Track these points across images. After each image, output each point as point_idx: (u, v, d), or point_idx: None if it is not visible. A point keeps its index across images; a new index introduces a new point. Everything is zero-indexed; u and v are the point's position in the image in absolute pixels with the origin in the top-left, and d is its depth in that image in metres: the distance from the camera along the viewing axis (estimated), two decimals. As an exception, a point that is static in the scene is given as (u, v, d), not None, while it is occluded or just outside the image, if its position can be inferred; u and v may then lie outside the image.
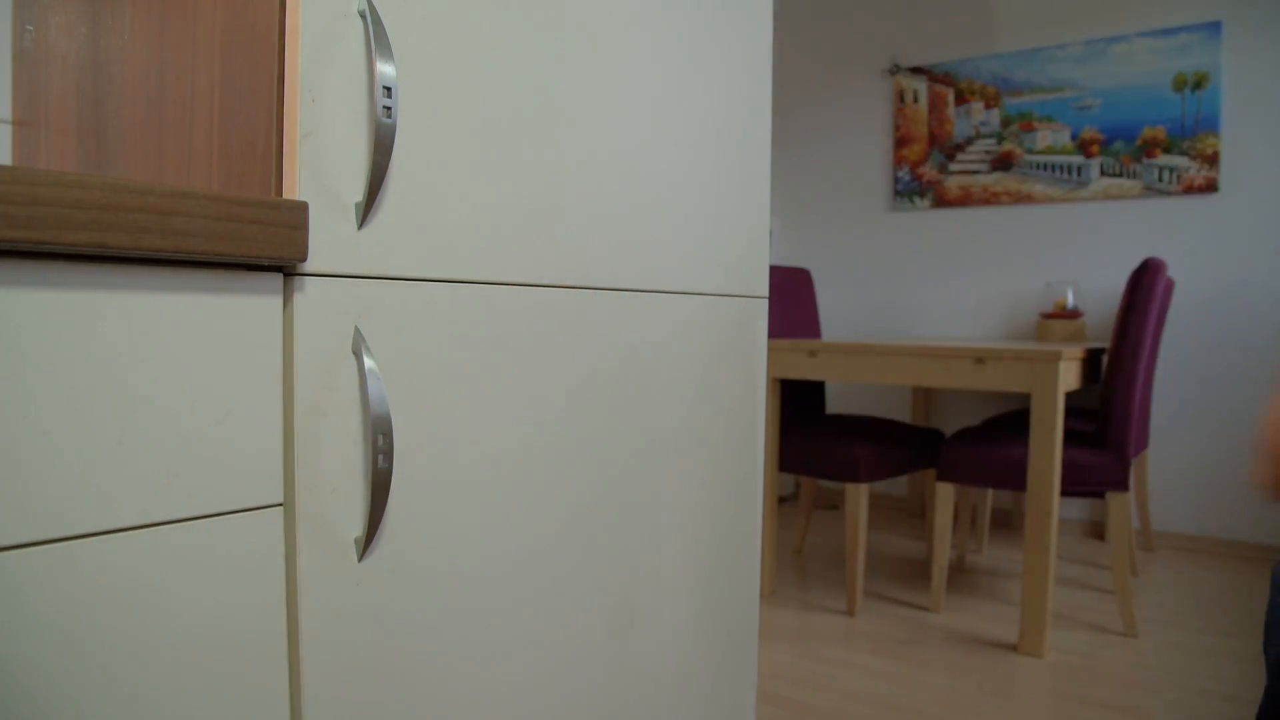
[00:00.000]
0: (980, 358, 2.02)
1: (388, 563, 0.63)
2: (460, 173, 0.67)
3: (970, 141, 3.31)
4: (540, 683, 0.77)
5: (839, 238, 3.62)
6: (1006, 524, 3.24)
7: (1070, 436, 2.15)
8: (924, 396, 3.36)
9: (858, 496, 2.19)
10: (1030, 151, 3.18)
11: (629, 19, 0.83)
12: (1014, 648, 1.99)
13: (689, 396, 0.94)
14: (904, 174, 3.44)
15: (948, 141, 3.35)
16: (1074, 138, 3.10)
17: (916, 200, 3.42)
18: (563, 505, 0.78)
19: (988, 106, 3.27)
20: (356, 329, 0.60)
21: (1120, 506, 2.05)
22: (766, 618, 2.19)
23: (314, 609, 0.58)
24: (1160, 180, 2.94)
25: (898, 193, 3.46)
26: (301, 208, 0.55)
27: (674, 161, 0.90)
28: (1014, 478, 2.07)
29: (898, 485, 3.55)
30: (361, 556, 0.61)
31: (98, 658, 0.48)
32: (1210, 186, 2.86)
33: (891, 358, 2.16)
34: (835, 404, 3.70)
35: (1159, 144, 2.94)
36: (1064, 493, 2.04)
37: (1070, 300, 2.91)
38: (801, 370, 2.31)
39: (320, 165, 0.58)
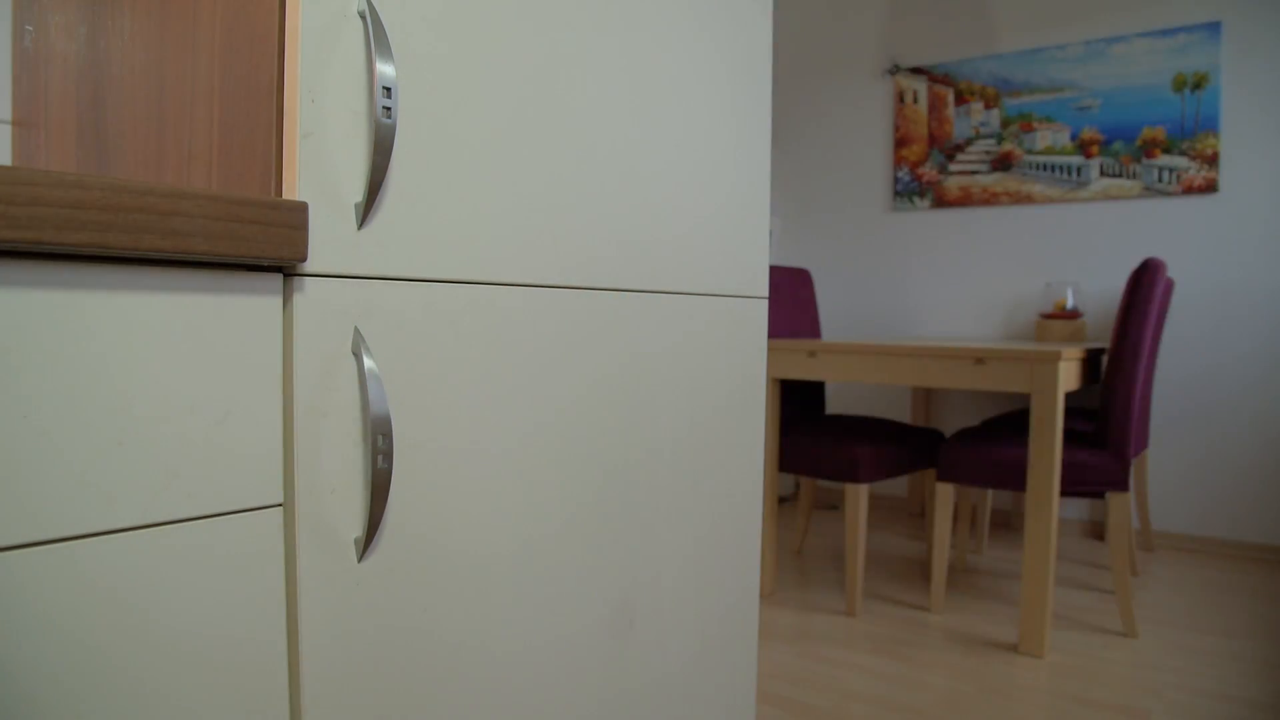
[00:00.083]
0: (980, 358, 2.02)
1: (387, 563, 0.63)
2: (460, 173, 0.67)
3: (970, 142, 3.31)
4: (540, 683, 0.77)
5: (839, 238, 3.62)
6: (1006, 524, 3.24)
7: (1070, 436, 2.15)
8: (924, 396, 3.36)
9: (858, 496, 2.19)
10: (1030, 152, 3.18)
11: (629, 19, 0.83)
12: (1014, 648, 1.99)
13: (689, 396, 0.94)
14: (904, 174, 3.45)
15: (948, 142, 3.35)
16: (1074, 138, 3.10)
17: (916, 200, 3.42)
18: (563, 505, 0.78)
19: (987, 107, 3.27)
20: (356, 329, 0.60)
21: (1120, 506, 2.05)
22: (766, 618, 2.19)
23: (314, 609, 0.58)
24: (1160, 180, 2.94)
25: (898, 193, 3.46)
26: (301, 208, 0.55)
27: (674, 161, 0.90)
28: (1014, 478, 2.07)
29: (898, 485, 3.55)
30: (361, 557, 0.61)
31: (98, 658, 0.48)
32: (1210, 187, 2.86)
33: (891, 358, 2.16)
34: (835, 404, 3.70)
35: (1159, 144, 2.94)
36: (1064, 493, 2.04)
37: (1070, 300, 2.91)
38: (801, 370, 2.31)
39: (320, 165, 0.58)
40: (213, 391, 0.52)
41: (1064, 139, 3.12)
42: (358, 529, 0.61)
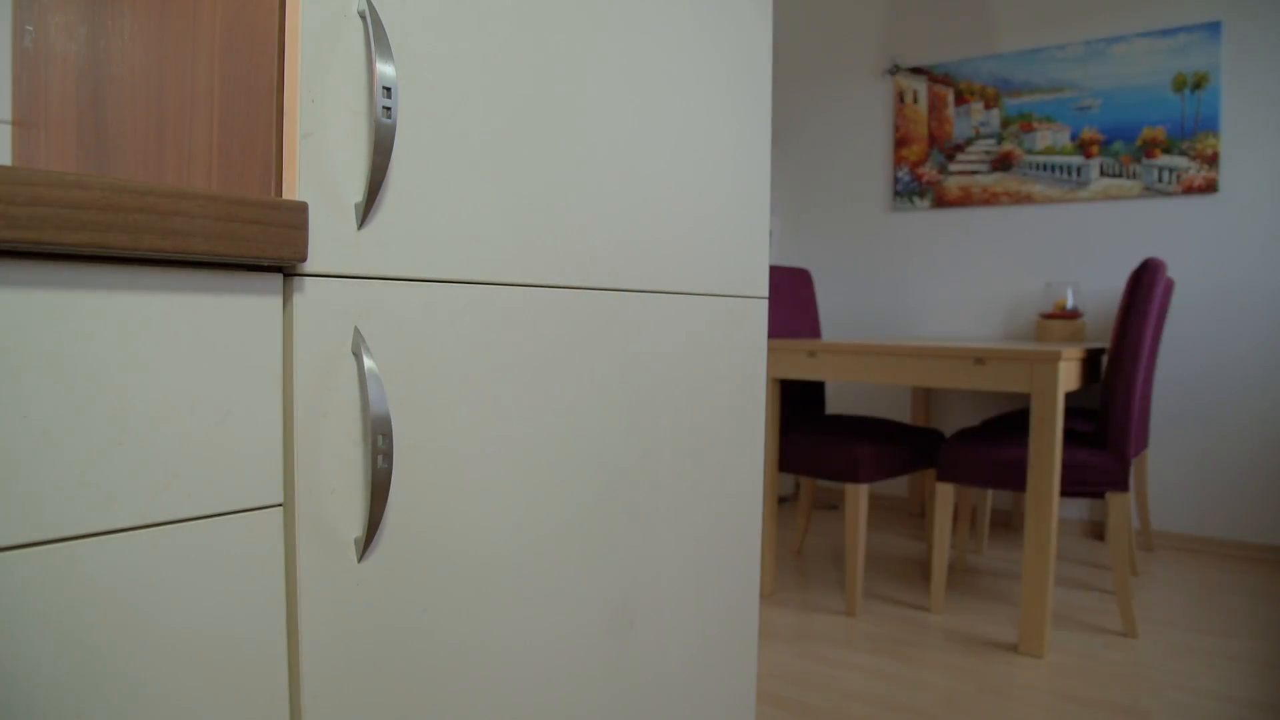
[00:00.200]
0: (980, 358, 2.02)
1: (387, 563, 0.63)
2: (460, 173, 0.67)
3: (970, 142, 3.31)
4: (540, 683, 0.77)
5: (839, 238, 3.62)
6: (1006, 524, 3.24)
7: (1070, 436, 2.15)
8: (924, 396, 3.36)
9: (858, 497, 2.19)
10: (1030, 152, 3.18)
11: (629, 19, 0.83)
12: (1014, 648, 1.99)
13: (689, 396, 0.94)
14: (904, 174, 3.45)
15: (948, 142, 3.35)
16: (1074, 138, 3.10)
17: (916, 200, 3.42)
18: (563, 505, 0.78)
19: (987, 107, 3.27)
20: (356, 329, 0.60)
21: (1120, 506, 2.05)
22: (766, 618, 2.19)
23: (314, 609, 0.58)
24: (1160, 180, 2.94)
25: (898, 193, 3.46)
26: (301, 208, 0.55)
27: (674, 161, 0.90)
28: (1014, 478, 2.07)
29: (898, 485, 3.55)
30: (361, 557, 0.61)
31: (98, 658, 0.48)
32: (1210, 187, 2.86)
33: (891, 358, 2.16)
34: (835, 404, 3.70)
35: (1159, 144, 2.94)
36: (1064, 493, 2.04)
37: (1070, 300, 2.91)
38: (801, 370, 2.31)
39: (320, 165, 0.58)
40: (213, 391, 0.52)
41: (1064, 139, 3.12)
42: (358, 529, 0.61)
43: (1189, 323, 2.92)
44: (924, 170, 3.40)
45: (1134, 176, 2.99)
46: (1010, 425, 2.34)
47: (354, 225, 0.60)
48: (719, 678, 1.02)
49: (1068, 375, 2.02)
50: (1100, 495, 2.04)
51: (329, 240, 0.58)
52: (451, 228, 0.67)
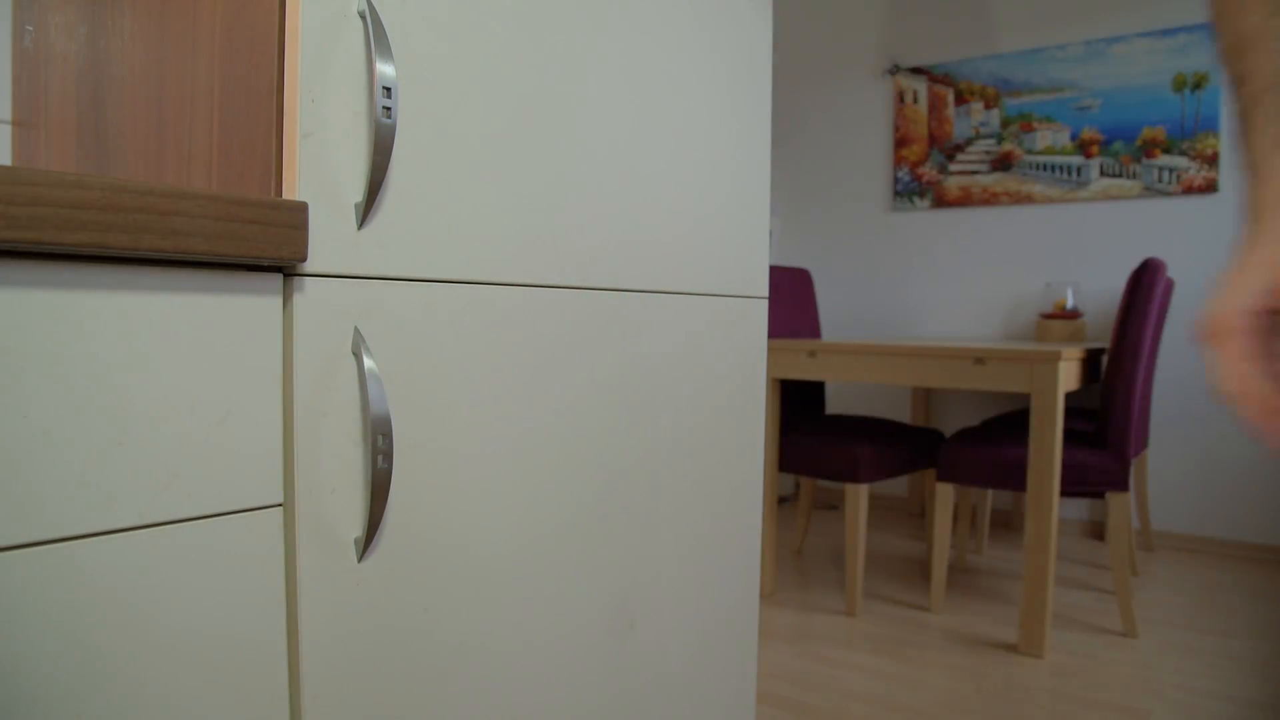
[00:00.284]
0: (980, 358, 2.02)
1: (387, 563, 0.63)
2: (460, 173, 0.67)
3: (970, 142, 3.31)
4: (540, 683, 0.77)
5: (839, 238, 3.62)
6: (1006, 524, 3.24)
7: (1070, 436, 2.15)
8: (924, 396, 3.36)
9: (858, 496, 2.19)
10: (1030, 152, 3.18)
11: (629, 19, 0.83)
12: (1014, 648, 1.99)
13: (689, 396, 0.94)
14: (904, 174, 3.45)
15: (947, 142, 3.35)
16: (1074, 138, 3.10)
17: (916, 200, 3.42)
18: (563, 505, 0.78)
19: (987, 107, 3.27)
20: (356, 329, 0.60)
21: (1120, 506, 2.05)
22: (766, 618, 2.19)
23: (314, 609, 0.58)
24: (1160, 180, 2.94)
25: (898, 193, 3.46)
26: (301, 208, 0.55)
27: (674, 161, 0.90)
28: (1014, 478, 2.07)
29: (898, 485, 3.55)
30: (361, 557, 0.61)
31: (98, 658, 0.48)
32: (1210, 187, 2.86)
33: (891, 358, 2.16)
34: (835, 404, 3.70)
35: (1159, 144, 2.95)
36: (1064, 493, 2.04)
37: (1070, 300, 2.91)
38: (801, 370, 2.31)
39: (320, 165, 0.58)
40: (213, 391, 0.52)
41: (1064, 139, 3.12)
42: (358, 529, 0.61)
43: (1189, 323, 2.92)
44: (924, 170, 3.40)
45: (1134, 176, 2.99)
46: (1010, 425, 2.34)
47: (354, 225, 0.60)
48: (719, 678, 1.02)
49: (1068, 375, 2.02)
50: (1100, 495, 2.04)
51: (329, 240, 0.58)
52: (451, 228, 0.67)
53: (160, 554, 0.50)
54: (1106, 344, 2.58)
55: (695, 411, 0.95)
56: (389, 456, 0.60)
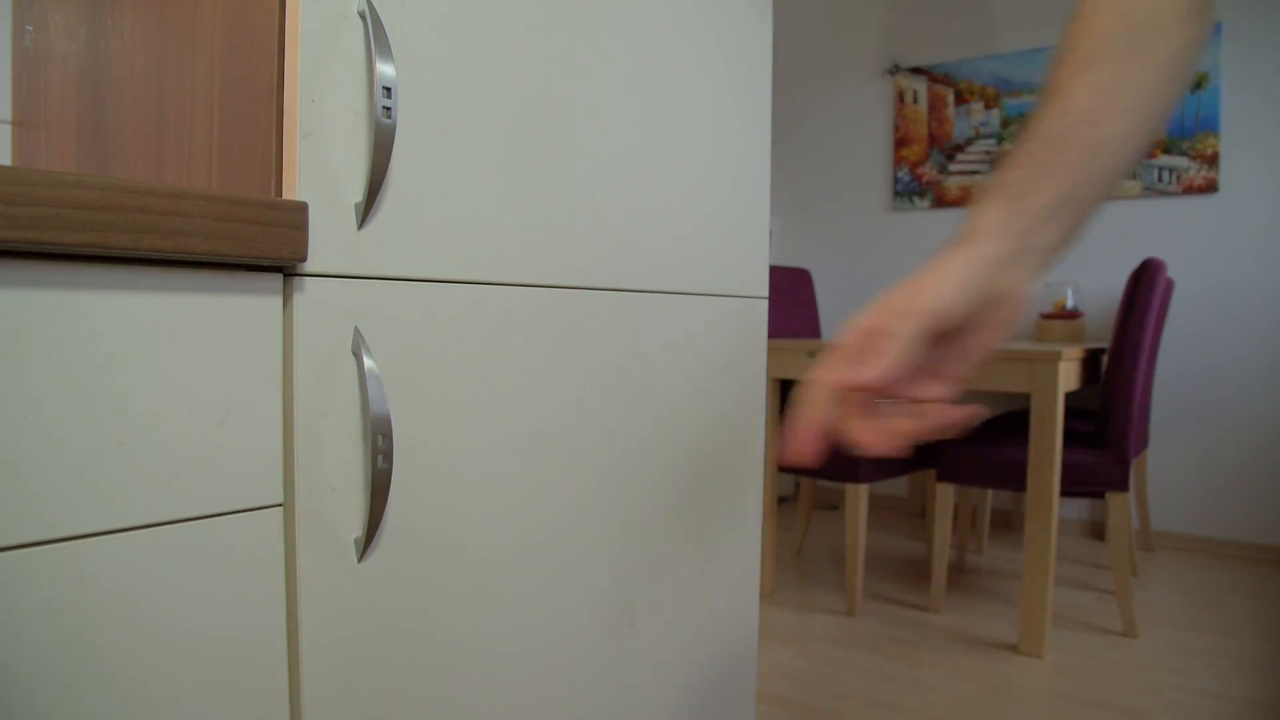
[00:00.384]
0: (980, 358, 2.02)
1: (387, 563, 0.63)
2: (460, 173, 0.67)
3: (970, 142, 3.31)
4: (540, 683, 0.77)
5: (839, 238, 3.62)
6: (1006, 524, 3.24)
7: (1070, 436, 2.15)
8: (924, 397, 3.36)
9: (858, 497, 2.19)
10: (1030, 152, 3.18)
11: (629, 19, 0.83)
12: (1014, 648, 1.99)
13: (689, 396, 0.94)
14: (904, 174, 3.45)
15: (948, 142, 3.35)
16: (1074, 138, 3.10)
17: (916, 200, 3.42)
18: (563, 505, 0.78)
19: (987, 107, 3.27)
20: (356, 329, 0.60)
21: (1120, 506, 2.05)
22: (766, 618, 2.19)
23: (314, 609, 0.58)
24: (1160, 180, 2.94)
25: (898, 193, 3.46)
26: (301, 208, 0.55)
27: (674, 161, 0.90)
28: (1014, 478, 2.07)
29: (898, 485, 3.55)
30: (361, 557, 0.61)
31: (98, 657, 0.48)
32: (1210, 187, 2.86)
33: (891, 358, 2.15)
34: (835, 404, 3.70)
35: (1159, 144, 2.94)
36: (1064, 493, 2.04)
37: (1070, 300, 2.91)
38: (801, 370, 2.31)
39: (320, 165, 0.58)
40: (213, 391, 0.52)
41: (1064, 139, 3.12)
42: (358, 529, 0.61)
43: (1189, 323, 2.92)
44: (924, 170, 3.40)
45: (1134, 176, 2.99)
46: (1010, 425, 2.34)
47: (354, 225, 0.60)
48: (719, 678, 1.02)
49: (1068, 375, 2.02)
50: (1100, 495, 2.04)
51: (329, 240, 0.58)
52: (451, 228, 0.67)
53: (160, 554, 0.50)
54: (1106, 344, 2.58)
55: (695, 411, 0.95)
56: (389, 456, 0.60)
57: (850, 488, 2.20)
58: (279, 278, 0.56)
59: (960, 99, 3.33)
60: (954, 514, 2.98)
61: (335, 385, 0.59)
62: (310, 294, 0.57)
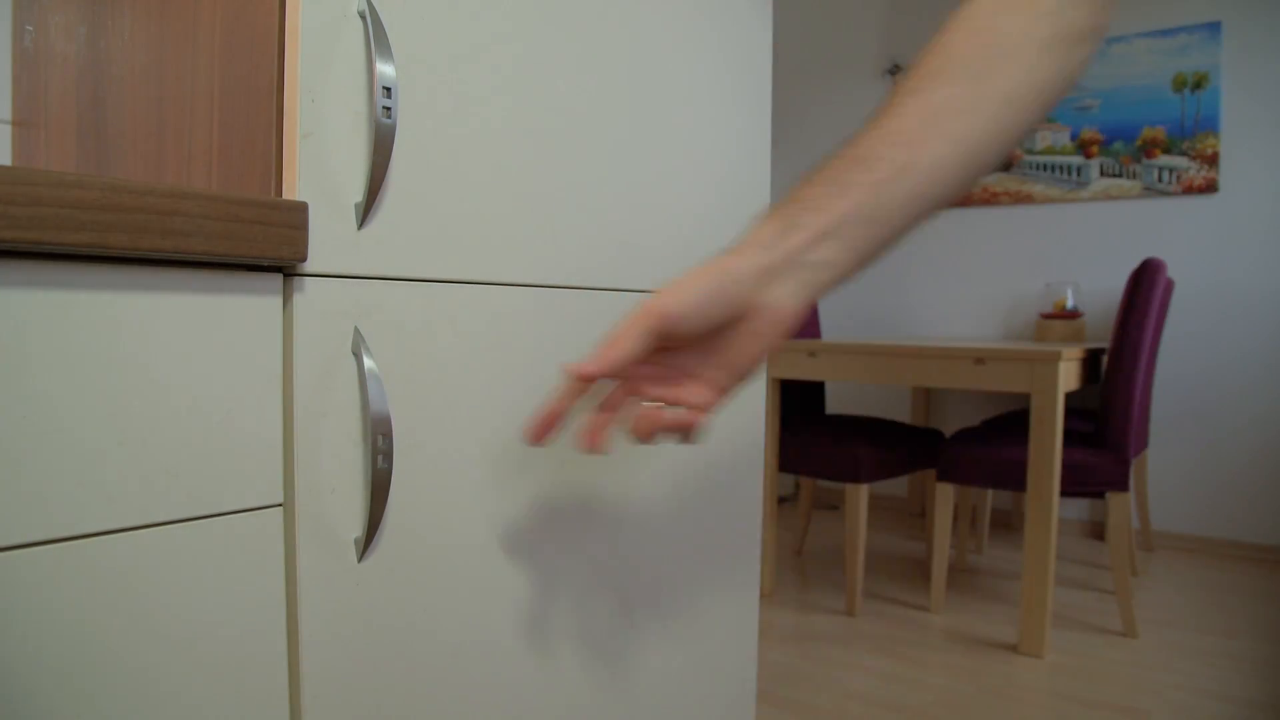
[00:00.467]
0: (980, 358, 2.02)
1: (387, 563, 0.63)
2: (460, 173, 0.67)
3: (970, 142, 3.30)
4: (541, 683, 0.77)
5: (839, 238, 3.61)
6: (1006, 524, 3.24)
7: (1070, 436, 2.15)
8: (924, 396, 3.36)
9: (858, 497, 2.19)
10: (1030, 152, 3.18)
11: (630, 20, 0.83)
12: (1014, 648, 1.99)
13: (689, 396, 0.94)
14: (904, 174, 3.44)
15: (948, 142, 3.35)
16: (1074, 138, 3.10)
17: (916, 200, 3.41)
18: (563, 505, 0.78)
19: (988, 107, 3.26)
20: (356, 329, 0.60)
21: (1120, 506, 2.05)
22: (766, 618, 2.19)
23: (314, 609, 0.58)
24: (1160, 180, 2.94)
25: (898, 193, 3.46)
26: (301, 208, 0.55)
27: (675, 161, 0.90)
28: (1014, 478, 2.07)
29: (898, 485, 3.55)
30: (361, 557, 0.61)
31: (99, 657, 0.48)
32: (1210, 187, 2.86)
33: (891, 358, 2.16)
34: (835, 404, 3.70)
35: (1159, 144, 2.95)
36: (1064, 493, 2.04)
37: (1070, 300, 2.91)
38: (801, 370, 2.32)
39: (320, 165, 0.58)
40: (213, 391, 0.52)
41: (1064, 139, 3.12)
42: (358, 529, 0.61)
43: (1189, 323, 2.92)
44: (924, 170, 3.40)
45: (1134, 176, 2.99)
46: (1010, 425, 2.34)
47: (354, 225, 0.60)
48: (719, 678, 1.02)
49: (1068, 375, 2.02)
50: (1100, 495, 2.04)
51: (329, 240, 0.58)
52: (452, 227, 0.67)
53: (160, 554, 0.50)
54: (1106, 344, 2.58)
55: (695, 411, 0.95)
56: (389, 456, 0.60)
57: (850, 488, 2.20)
58: (279, 278, 0.56)
59: (960, 99, 3.32)
60: (954, 514, 2.98)
61: (335, 385, 0.59)
62: (310, 294, 0.57)
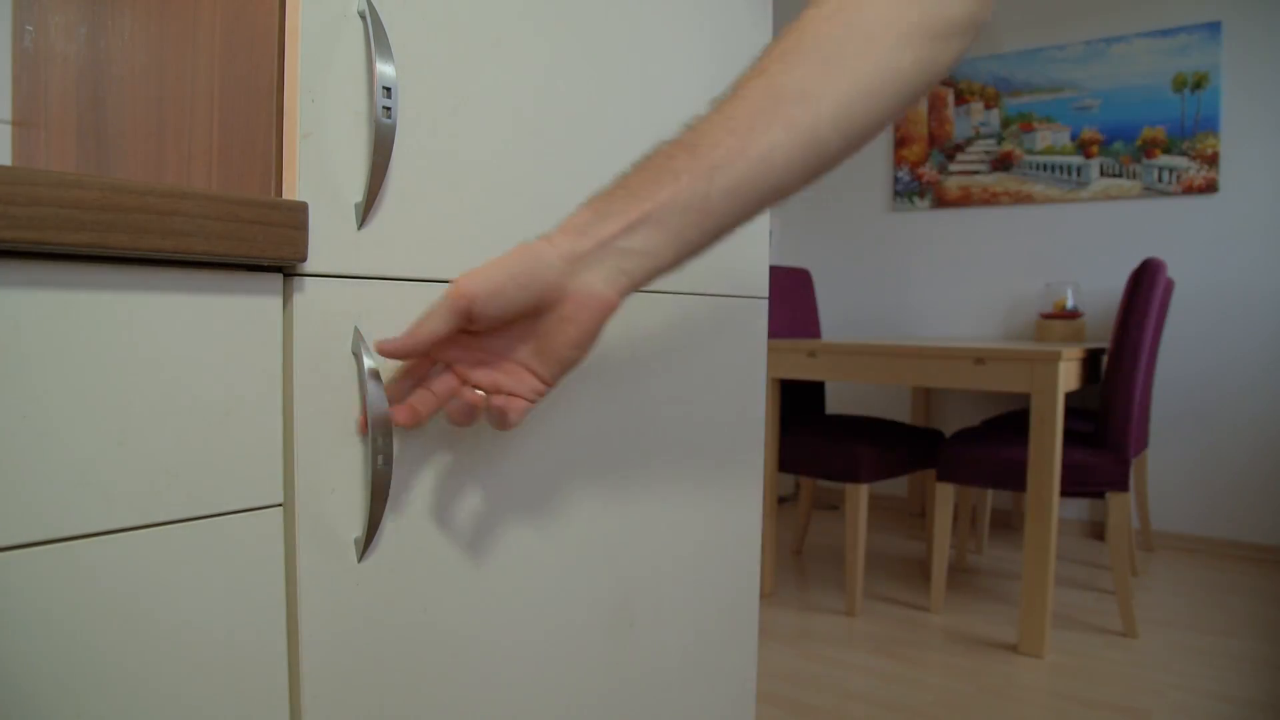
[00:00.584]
0: (980, 358, 2.02)
1: (387, 563, 0.63)
2: (461, 173, 0.67)
3: (970, 142, 3.31)
4: (540, 683, 0.77)
5: (839, 238, 3.62)
6: (1006, 524, 3.24)
7: (1070, 436, 2.15)
8: (924, 396, 3.36)
9: (858, 497, 2.19)
10: (1030, 152, 3.18)
11: (630, 20, 0.83)
12: (1014, 648, 1.99)
13: (688, 396, 0.94)
14: (904, 174, 3.45)
15: (947, 142, 3.35)
16: (1074, 138, 3.10)
17: (916, 200, 3.42)
18: (562, 505, 0.78)
19: (987, 107, 3.27)
20: (356, 329, 0.60)
21: (1120, 506, 2.05)
22: (766, 618, 2.19)
23: (314, 609, 0.58)
24: (1160, 180, 2.95)
25: (898, 193, 3.46)
26: (301, 208, 0.55)
27: (674, 162, 0.89)
28: (1014, 478, 2.07)
29: (898, 485, 3.55)
30: (361, 557, 0.61)
31: (98, 658, 0.48)
32: (1210, 187, 2.86)
33: (891, 358, 2.16)
34: (835, 404, 3.70)
35: (1159, 144, 2.95)
36: (1064, 493, 2.04)
37: (1070, 300, 2.91)
38: (801, 370, 2.31)
39: (320, 165, 0.58)
40: (213, 391, 0.52)
41: (1064, 139, 3.12)
42: (358, 529, 0.61)
43: (1189, 323, 2.92)
44: (924, 170, 3.40)
45: (1134, 176, 2.99)
46: (1010, 425, 2.34)
47: (354, 225, 0.60)
48: (719, 677, 1.02)
49: (1068, 375, 2.02)
50: (1100, 495, 2.04)
51: (329, 240, 0.58)
52: (452, 227, 0.67)
53: (160, 554, 0.50)
54: (1106, 344, 2.58)
55: (695, 411, 0.95)
56: (389, 457, 0.60)
57: (850, 488, 2.20)
58: (279, 278, 0.56)
59: (960, 99, 3.33)
60: (954, 514, 2.98)
61: (335, 385, 0.59)
62: (310, 294, 0.57)
